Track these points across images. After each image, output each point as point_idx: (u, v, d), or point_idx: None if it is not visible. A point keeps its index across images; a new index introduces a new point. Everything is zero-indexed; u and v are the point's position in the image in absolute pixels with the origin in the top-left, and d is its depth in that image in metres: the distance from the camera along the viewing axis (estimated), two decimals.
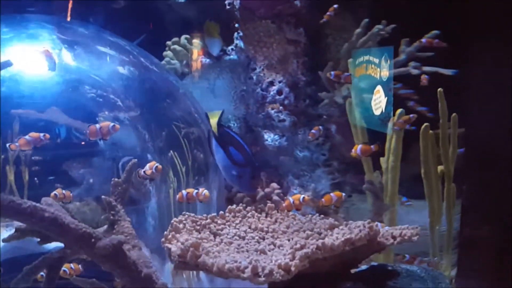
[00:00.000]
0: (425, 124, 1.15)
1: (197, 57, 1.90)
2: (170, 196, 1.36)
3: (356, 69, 1.31)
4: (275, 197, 1.79)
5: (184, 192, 1.12)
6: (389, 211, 1.22)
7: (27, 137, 1.08)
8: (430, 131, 1.13)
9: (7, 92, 1.29)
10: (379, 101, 1.17)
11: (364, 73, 1.25)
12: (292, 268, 0.79)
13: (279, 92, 1.81)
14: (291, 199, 1.01)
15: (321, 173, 1.82)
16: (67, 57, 1.37)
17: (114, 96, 1.44)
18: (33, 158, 1.68)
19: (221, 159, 0.99)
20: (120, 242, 0.75)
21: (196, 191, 1.09)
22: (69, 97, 1.45)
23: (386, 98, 1.14)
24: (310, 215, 1.08)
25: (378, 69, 1.16)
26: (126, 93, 1.44)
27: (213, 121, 1.00)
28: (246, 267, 0.77)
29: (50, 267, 0.78)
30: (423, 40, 1.59)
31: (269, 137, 1.83)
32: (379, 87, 1.17)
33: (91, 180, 1.68)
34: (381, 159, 1.46)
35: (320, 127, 1.64)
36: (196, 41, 1.89)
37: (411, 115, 1.20)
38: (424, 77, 1.44)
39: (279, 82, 1.81)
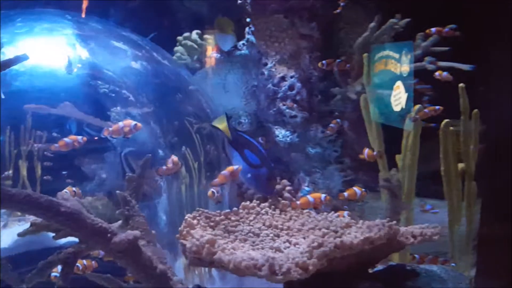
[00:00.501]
0: (446, 120, 1.12)
1: (208, 53, 1.88)
2: (182, 192, 1.35)
3: (375, 64, 1.28)
4: (286, 194, 1.78)
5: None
6: (406, 210, 1.19)
7: (66, 139, 1.10)
8: (451, 128, 1.10)
9: (21, 86, 1.28)
10: (399, 97, 1.14)
11: (384, 68, 1.22)
12: (310, 267, 0.77)
13: (291, 87, 1.78)
14: (310, 197, 0.99)
15: (333, 170, 1.79)
16: (81, 52, 1.36)
17: (126, 91, 1.43)
18: (45, 153, 1.68)
19: (236, 162, 1.00)
20: (136, 237, 0.74)
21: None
22: (82, 92, 1.45)
23: (406, 94, 1.11)
24: (325, 213, 1.06)
25: (398, 64, 1.13)
26: (138, 88, 1.43)
27: (224, 125, 1.00)
28: (263, 265, 0.76)
29: (65, 262, 0.77)
30: (433, 29, 1.55)
31: (280, 133, 1.81)
32: (399, 83, 1.14)
33: (102, 175, 1.68)
34: (397, 156, 1.43)
35: (338, 120, 1.61)
36: (207, 37, 1.87)
37: (437, 107, 1.17)
38: (447, 76, 1.40)
39: (291, 77, 1.79)
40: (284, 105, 1.75)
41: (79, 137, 1.09)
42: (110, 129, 1.07)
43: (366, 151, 1.27)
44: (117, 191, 0.89)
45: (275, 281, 0.75)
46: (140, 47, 1.48)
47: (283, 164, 1.84)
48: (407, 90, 1.12)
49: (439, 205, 1.67)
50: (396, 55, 1.16)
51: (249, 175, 0.94)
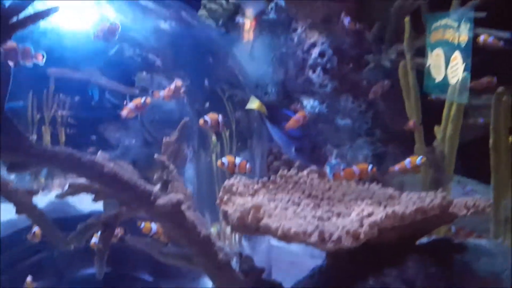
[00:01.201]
0: (500, 88, 1.04)
1: (235, 17, 1.79)
2: (213, 161, 1.31)
3: (431, 34, 1.20)
4: (312, 167, 1.73)
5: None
6: (449, 182, 1.13)
7: (130, 104, 1.03)
8: (505, 98, 1.02)
9: (49, 44, 1.23)
10: (456, 68, 1.06)
11: (441, 38, 1.13)
12: (362, 236, 0.73)
13: (321, 54, 1.70)
14: (355, 168, 0.93)
15: (363, 142, 1.73)
16: (108, 10, 1.29)
17: (153, 55, 1.36)
18: (69, 120, 1.65)
19: (278, 137, 0.96)
20: (180, 201, 0.71)
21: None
22: (107, 56, 1.39)
23: (464, 64, 1.03)
24: (367, 184, 1.01)
25: (457, 34, 1.05)
26: (166, 51, 1.36)
27: (257, 104, 0.96)
28: (312, 232, 0.72)
29: (106, 225, 0.75)
30: None
31: (308, 104, 1.75)
32: (456, 53, 1.06)
33: (126, 143, 1.65)
34: (436, 128, 1.37)
35: (386, 81, 1.49)
36: (234, 0, 1.77)
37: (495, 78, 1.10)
38: (493, 41, 1.30)
39: (322, 43, 1.70)
40: (313, 72, 1.67)
41: (142, 99, 1.02)
42: (162, 93, 1.00)
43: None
44: (156, 155, 0.85)
45: (324, 249, 0.72)
46: (168, 5, 1.40)
47: (310, 135, 1.78)
48: (464, 61, 1.04)
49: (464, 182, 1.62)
50: (455, 24, 1.07)
51: (292, 148, 0.90)
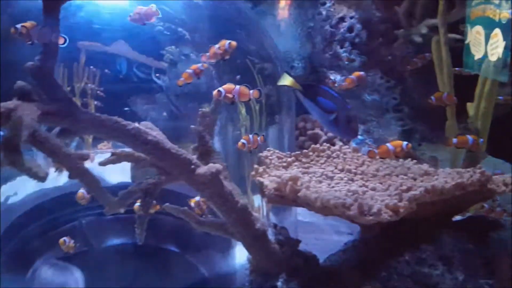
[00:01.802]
0: None
1: None
2: (242, 134, 1.31)
3: (472, 10, 1.15)
4: (338, 142, 1.72)
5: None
6: (483, 159, 1.11)
7: (189, 70, 1.04)
8: None
9: (86, 17, 1.23)
10: (496, 46, 1.02)
11: (482, 15, 1.09)
12: (401, 210, 0.73)
13: (350, 29, 1.65)
14: (390, 145, 0.91)
15: (390, 118, 1.70)
16: None
17: (182, 28, 1.35)
18: (98, 92, 1.67)
19: (314, 111, 0.95)
20: (218, 170, 0.72)
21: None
22: (136, 29, 1.38)
23: (505, 42, 0.99)
24: (401, 159, 1.00)
25: (498, 11, 1.00)
26: (196, 24, 1.34)
27: (290, 80, 0.95)
28: (351, 204, 0.72)
29: (146, 191, 0.77)
30: None
31: (335, 79, 1.72)
32: (497, 31, 1.02)
33: (155, 116, 1.66)
34: (468, 105, 1.33)
35: (426, 54, 1.43)
36: None
37: None
38: None
39: (351, 18, 1.65)
40: (342, 47, 1.63)
41: (199, 65, 1.03)
42: (207, 54, 0.99)
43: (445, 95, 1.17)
44: (192, 126, 0.85)
45: (364, 221, 0.72)
46: None
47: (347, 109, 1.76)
48: (505, 39, 1.00)
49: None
50: (497, 1, 1.02)
51: (329, 122, 0.89)
